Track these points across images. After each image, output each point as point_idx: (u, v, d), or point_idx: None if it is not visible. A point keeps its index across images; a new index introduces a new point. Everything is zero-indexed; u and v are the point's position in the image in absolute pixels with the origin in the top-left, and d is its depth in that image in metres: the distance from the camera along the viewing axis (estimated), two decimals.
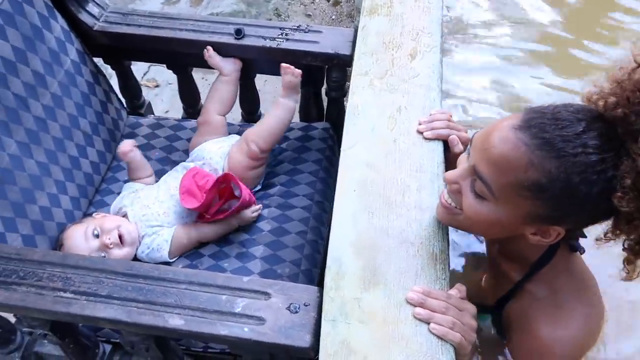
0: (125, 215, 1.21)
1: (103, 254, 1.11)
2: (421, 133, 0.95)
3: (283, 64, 1.17)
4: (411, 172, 0.90)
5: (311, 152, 1.29)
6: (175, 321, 0.77)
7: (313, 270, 1.12)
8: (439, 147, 0.94)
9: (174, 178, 1.22)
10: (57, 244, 1.14)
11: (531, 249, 0.83)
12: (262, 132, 1.20)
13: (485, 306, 0.93)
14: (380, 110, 1.00)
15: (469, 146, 0.79)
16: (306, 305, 0.77)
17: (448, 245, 0.81)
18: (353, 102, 1.02)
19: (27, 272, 0.84)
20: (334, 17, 2.49)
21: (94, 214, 1.22)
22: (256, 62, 1.29)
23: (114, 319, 0.78)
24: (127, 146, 1.23)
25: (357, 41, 1.14)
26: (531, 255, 0.85)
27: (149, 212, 1.18)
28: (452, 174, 0.79)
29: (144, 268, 0.84)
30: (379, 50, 1.11)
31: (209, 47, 1.24)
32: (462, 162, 0.79)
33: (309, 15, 2.52)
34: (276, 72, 1.32)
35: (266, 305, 0.78)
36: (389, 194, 0.86)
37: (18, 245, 1.05)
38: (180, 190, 1.17)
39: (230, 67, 1.26)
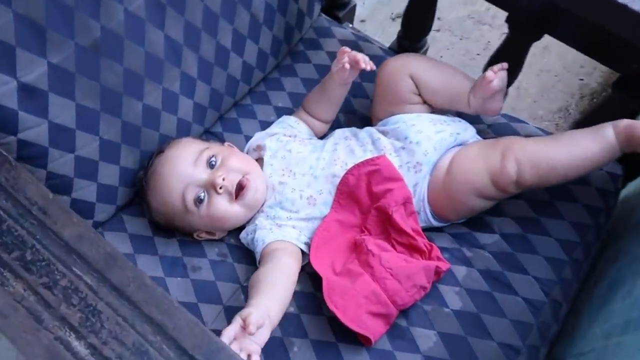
0: (259, 161, 0.78)
1: (202, 194, 0.70)
2: None
3: None
4: None
5: (575, 206, 0.74)
6: None
7: None
8: None
9: (349, 150, 0.75)
10: (156, 151, 0.74)
11: None
12: (543, 157, 0.66)
13: None
14: None
15: None
16: None
17: None
18: None
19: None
20: None
21: (225, 143, 0.80)
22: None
23: None
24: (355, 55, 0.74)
25: None
26: None
27: (289, 183, 0.74)
28: None
29: None
30: None
31: None
32: None
33: None
34: None
35: None
36: None
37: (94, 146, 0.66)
38: (339, 186, 0.71)
39: None
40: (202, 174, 0.71)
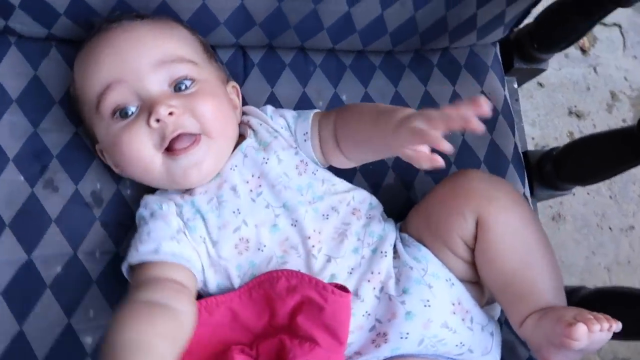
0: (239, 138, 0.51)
1: (133, 109, 0.45)
2: None
3: None
4: None
5: None
6: None
7: None
8: None
9: (339, 233, 0.47)
10: (136, 13, 0.49)
11: None
12: None
13: None
14: None
15: None
16: None
17: None
18: None
19: None
20: None
21: (231, 82, 0.53)
22: None
23: None
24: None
25: None
26: None
27: (241, 200, 0.47)
28: None
29: None
30: None
31: None
32: None
33: None
34: None
35: None
36: None
37: None
38: (263, 276, 0.44)
39: None
40: (154, 85, 0.45)
